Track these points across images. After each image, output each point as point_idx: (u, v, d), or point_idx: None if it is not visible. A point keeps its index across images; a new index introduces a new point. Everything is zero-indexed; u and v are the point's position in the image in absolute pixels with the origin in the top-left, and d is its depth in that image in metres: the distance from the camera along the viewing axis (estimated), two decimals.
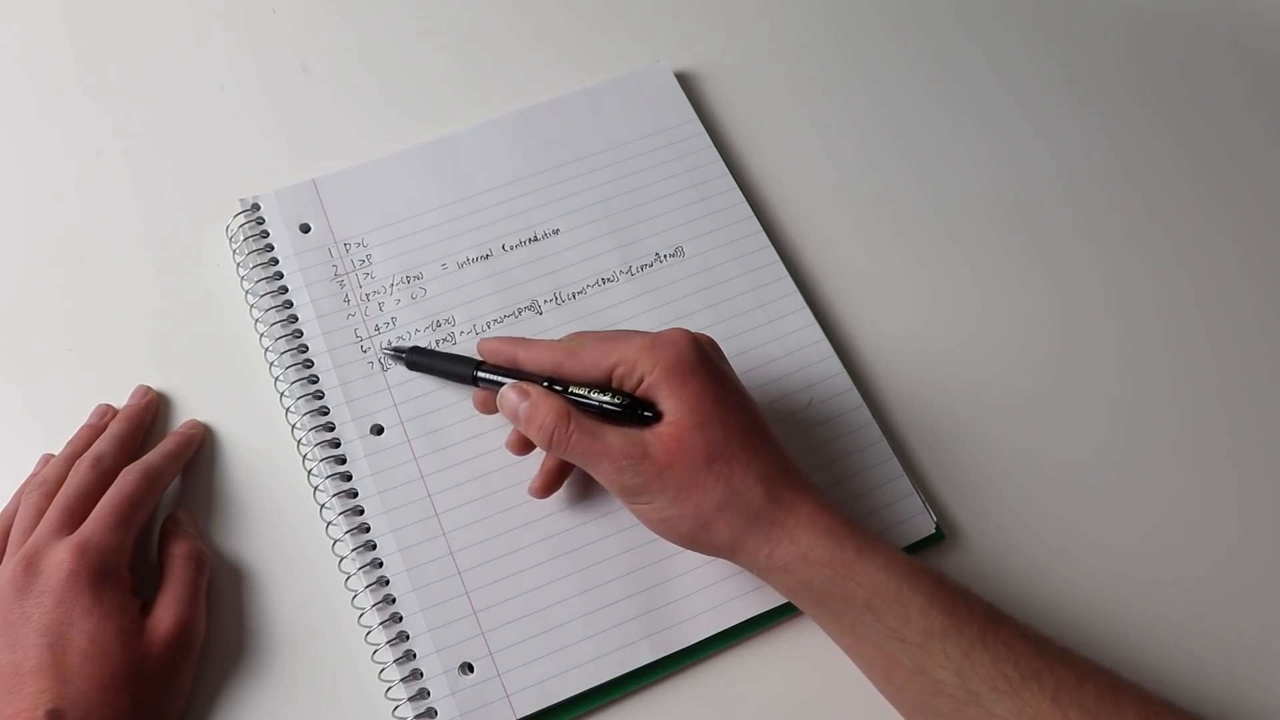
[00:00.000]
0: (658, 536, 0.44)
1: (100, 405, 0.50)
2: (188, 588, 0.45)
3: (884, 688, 0.41)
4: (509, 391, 0.44)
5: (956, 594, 0.39)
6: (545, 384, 0.44)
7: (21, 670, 0.40)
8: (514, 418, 0.44)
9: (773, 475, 0.41)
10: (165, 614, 0.43)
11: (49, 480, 0.46)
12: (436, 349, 0.50)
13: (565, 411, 0.42)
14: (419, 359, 0.50)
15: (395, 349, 0.50)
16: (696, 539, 0.42)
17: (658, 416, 0.41)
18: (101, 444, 0.48)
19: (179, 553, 0.46)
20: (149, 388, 0.51)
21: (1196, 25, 0.64)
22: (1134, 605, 0.47)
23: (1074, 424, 0.51)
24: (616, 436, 0.41)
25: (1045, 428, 0.51)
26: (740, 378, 0.44)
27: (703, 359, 0.42)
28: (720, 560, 0.46)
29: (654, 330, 0.43)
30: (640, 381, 0.42)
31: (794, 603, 0.43)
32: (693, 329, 0.51)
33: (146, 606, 0.44)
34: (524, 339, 0.46)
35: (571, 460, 0.43)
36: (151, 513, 0.47)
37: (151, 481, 0.46)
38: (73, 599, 0.42)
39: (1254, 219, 0.58)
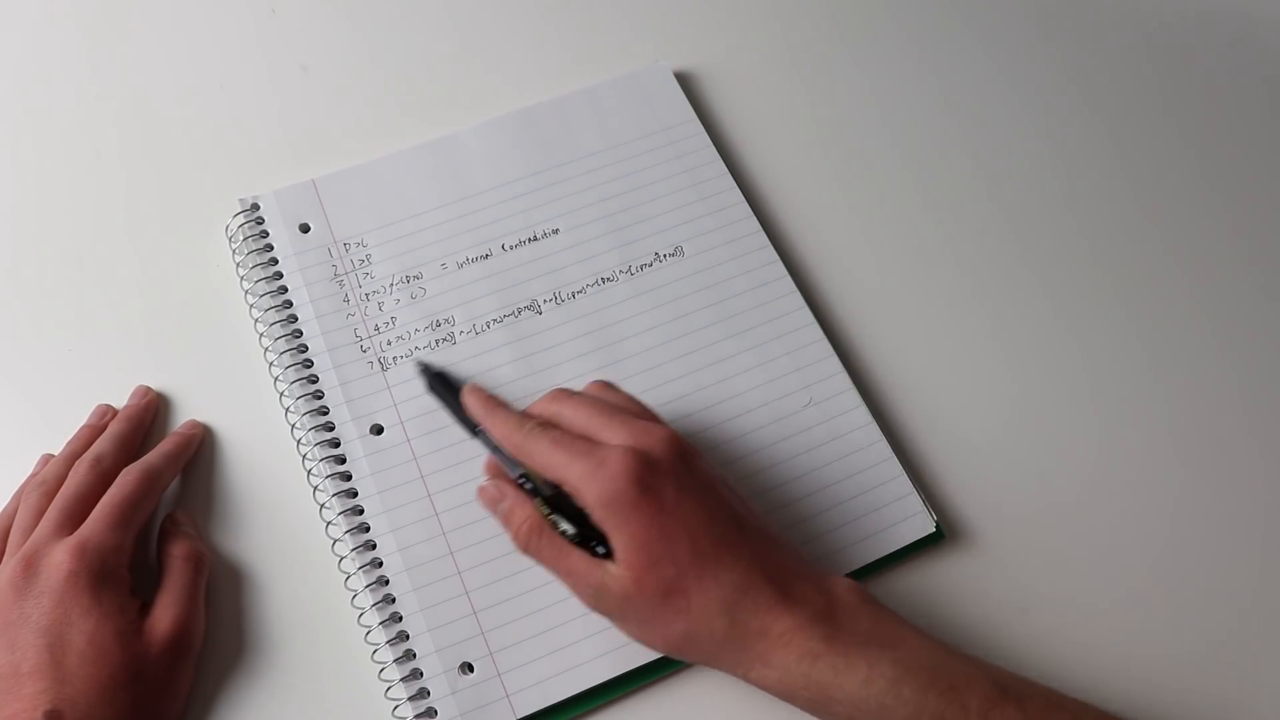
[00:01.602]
0: None
1: (100, 405, 0.50)
2: (186, 588, 0.45)
3: None
4: (488, 488, 0.45)
5: (950, 690, 0.37)
6: (519, 476, 0.44)
7: (20, 671, 0.40)
8: (492, 511, 0.45)
9: (735, 600, 0.39)
10: (164, 615, 0.43)
11: (49, 480, 0.46)
12: (456, 384, 0.49)
13: (536, 522, 0.42)
14: (437, 389, 0.49)
15: (424, 365, 0.50)
16: (671, 656, 0.43)
17: (609, 552, 0.40)
18: (101, 444, 0.48)
19: (178, 553, 0.46)
20: (149, 388, 0.51)
21: (1196, 25, 0.64)
22: (1134, 606, 0.47)
23: (1074, 422, 0.51)
24: (580, 559, 0.41)
25: (1045, 426, 0.51)
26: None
27: (643, 490, 0.39)
28: None
29: (600, 435, 0.42)
30: (587, 510, 0.41)
31: None
32: (692, 328, 0.52)
33: (145, 607, 0.44)
34: (496, 407, 0.45)
35: (540, 564, 0.43)
36: (151, 513, 0.47)
37: (151, 482, 0.46)
38: (72, 600, 0.42)
39: (1254, 219, 0.58)
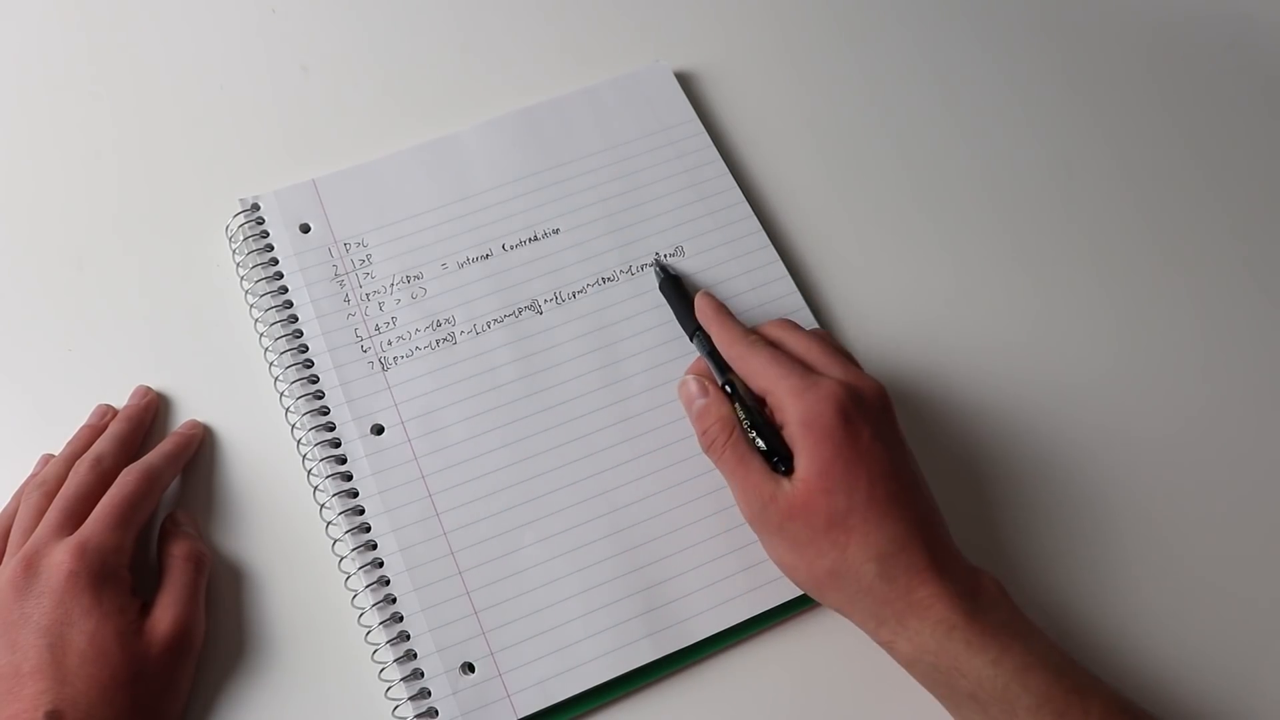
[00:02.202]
0: (662, 535, 0.46)
1: (100, 405, 0.50)
2: (187, 588, 0.45)
3: None
4: (691, 382, 0.46)
5: (1074, 690, 0.38)
6: (724, 383, 0.45)
7: (21, 671, 0.40)
8: (688, 406, 0.46)
9: (890, 553, 0.40)
10: (165, 615, 0.43)
11: (49, 480, 0.46)
12: (685, 290, 0.51)
13: (730, 423, 0.43)
14: (667, 290, 0.52)
15: (662, 265, 0.53)
16: (808, 589, 0.43)
17: (789, 470, 0.42)
18: (101, 444, 0.47)
19: (178, 553, 0.45)
20: (149, 388, 0.51)
21: (1196, 26, 0.64)
22: (1134, 608, 0.47)
23: (1072, 426, 0.51)
24: (759, 469, 0.42)
25: (1045, 430, 0.51)
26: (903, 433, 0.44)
27: (844, 421, 0.41)
28: (721, 558, 0.46)
29: (817, 367, 0.44)
30: (782, 426, 0.42)
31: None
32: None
33: (146, 607, 0.44)
34: (725, 315, 0.48)
35: (717, 468, 0.44)
36: (151, 513, 0.47)
37: (151, 482, 0.46)
38: (73, 600, 0.42)
39: (1253, 219, 0.58)
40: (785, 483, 0.41)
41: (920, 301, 0.54)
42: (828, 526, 0.40)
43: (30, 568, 0.42)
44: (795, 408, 0.41)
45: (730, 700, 0.45)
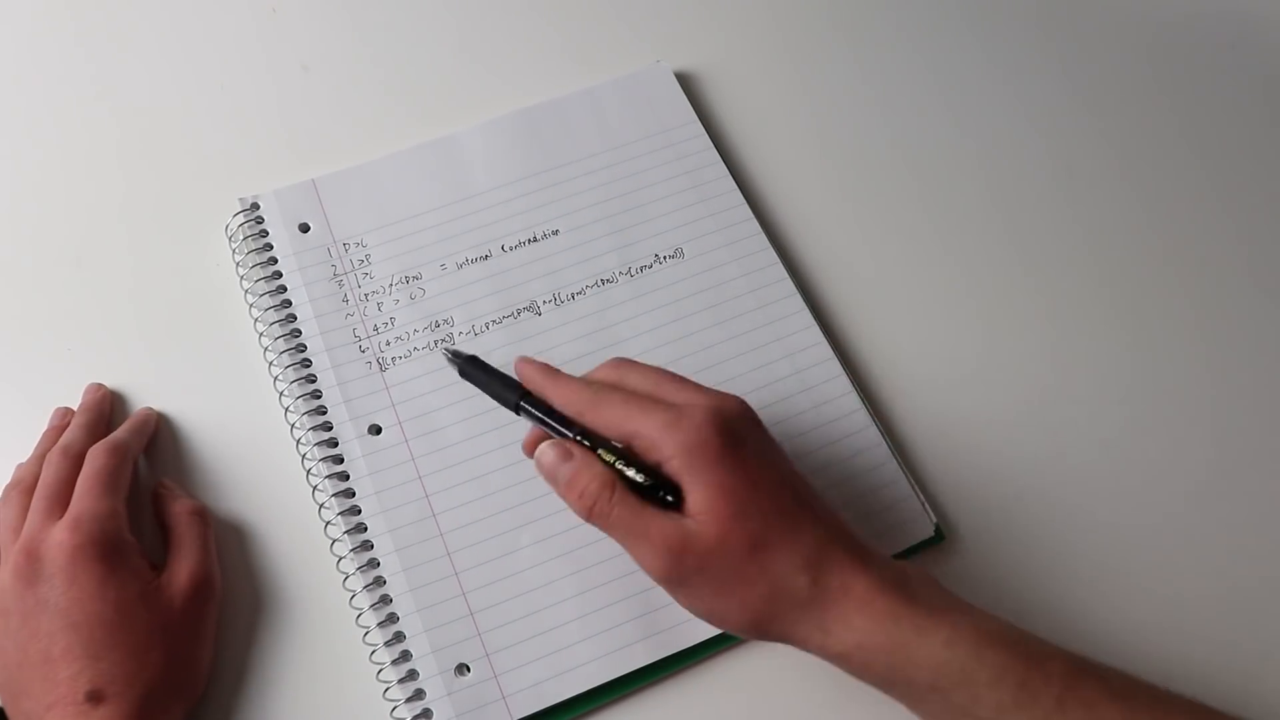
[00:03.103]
0: None
1: (58, 408, 0.50)
2: (197, 538, 0.45)
3: None
4: (549, 449, 0.40)
5: (1031, 657, 0.37)
6: (576, 436, 0.41)
7: (51, 656, 0.40)
8: (552, 479, 0.40)
9: (817, 558, 0.38)
10: (181, 567, 0.44)
11: (24, 479, 0.46)
12: (490, 366, 0.45)
13: (609, 480, 0.39)
14: (471, 371, 0.45)
15: (454, 352, 0.46)
16: (745, 630, 0.39)
17: (678, 503, 0.38)
18: (68, 434, 0.48)
19: (179, 510, 0.46)
20: (101, 384, 0.51)
21: (1196, 25, 0.64)
22: (1133, 607, 0.47)
23: (1072, 425, 0.51)
24: (658, 521, 0.38)
25: (1045, 429, 0.51)
26: (775, 437, 0.41)
27: (728, 440, 0.38)
28: None
29: (671, 398, 0.40)
30: (660, 464, 0.39)
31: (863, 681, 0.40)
32: (692, 330, 0.52)
33: (156, 568, 0.44)
34: (556, 373, 0.43)
35: (608, 534, 0.40)
36: (130, 484, 0.47)
37: (122, 453, 0.47)
38: (84, 573, 0.42)
39: (1253, 219, 0.57)
40: (689, 523, 0.38)
41: (920, 300, 0.54)
42: (750, 551, 0.37)
43: (32, 555, 0.42)
44: (672, 440, 0.38)
45: (726, 703, 0.45)
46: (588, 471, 0.39)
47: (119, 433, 0.48)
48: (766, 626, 0.39)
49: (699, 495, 0.38)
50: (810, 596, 0.38)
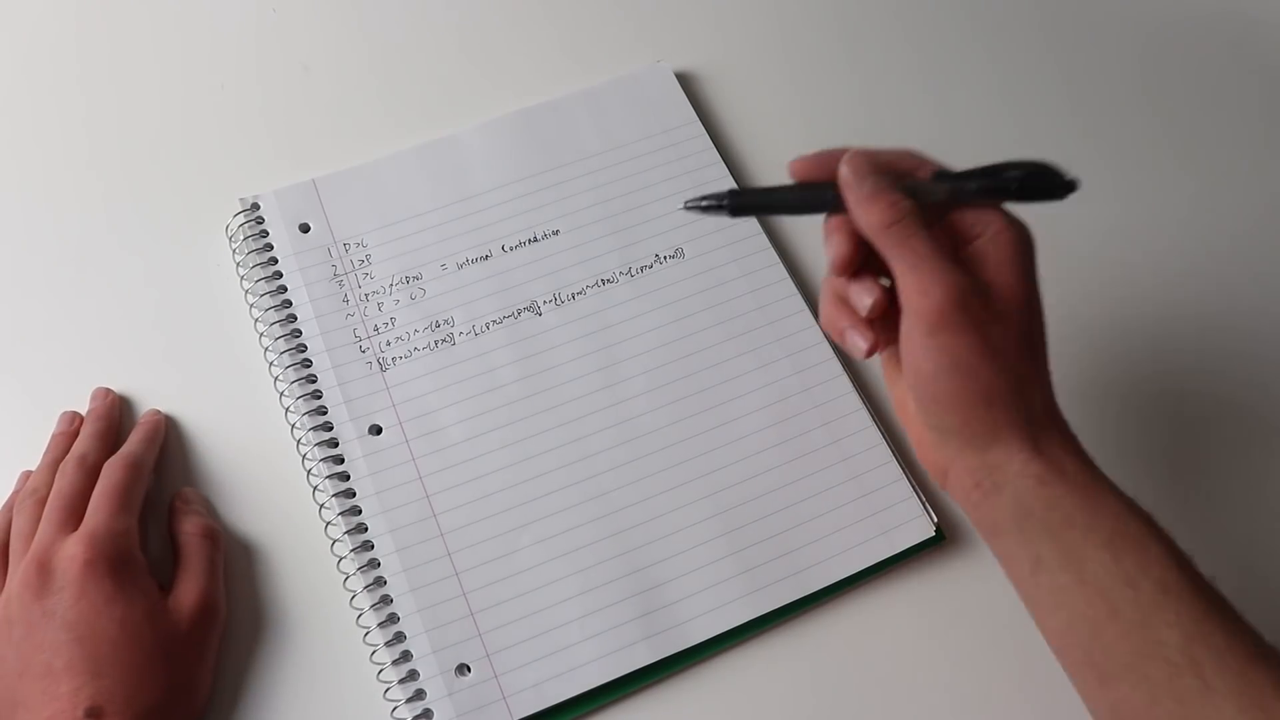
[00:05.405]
0: (660, 538, 0.45)
1: (65, 413, 0.50)
2: (206, 562, 0.45)
3: (1085, 644, 0.35)
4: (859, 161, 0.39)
5: (1187, 556, 0.35)
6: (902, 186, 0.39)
7: (54, 669, 0.40)
8: (852, 186, 0.39)
9: (1050, 396, 0.38)
10: (188, 589, 0.44)
11: (39, 488, 0.46)
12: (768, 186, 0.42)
13: (915, 209, 0.38)
14: (745, 201, 0.41)
15: (706, 198, 0.40)
16: (959, 406, 0.37)
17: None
18: (81, 444, 0.48)
19: (191, 530, 0.46)
20: (108, 389, 0.51)
21: (1196, 25, 0.64)
22: None
23: (1072, 425, 0.51)
24: (955, 260, 0.37)
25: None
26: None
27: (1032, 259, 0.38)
28: (719, 561, 0.46)
29: None
30: (978, 238, 0.38)
31: (997, 537, 0.38)
32: (693, 330, 0.52)
33: (163, 588, 0.44)
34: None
35: (904, 250, 0.37)
36: (144, 499, 0.47)
37: (138, 468, 0.47)
38: (95, 588, 0.42)
39: (1254, 220, 0.57)
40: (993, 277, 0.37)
41: None
42: (1023, 338, 0.37)
43: (43, 567, 0.42)
44: (1013, 229, 0.39)
45: (727, 703, 0.45)
46: (892, 192, 0.38)
47: (135, 446, 0.48)
48: (986, 410, 0.36)
49: (1008, 278, 0.37)
50: (1038, 414, 0.37)
